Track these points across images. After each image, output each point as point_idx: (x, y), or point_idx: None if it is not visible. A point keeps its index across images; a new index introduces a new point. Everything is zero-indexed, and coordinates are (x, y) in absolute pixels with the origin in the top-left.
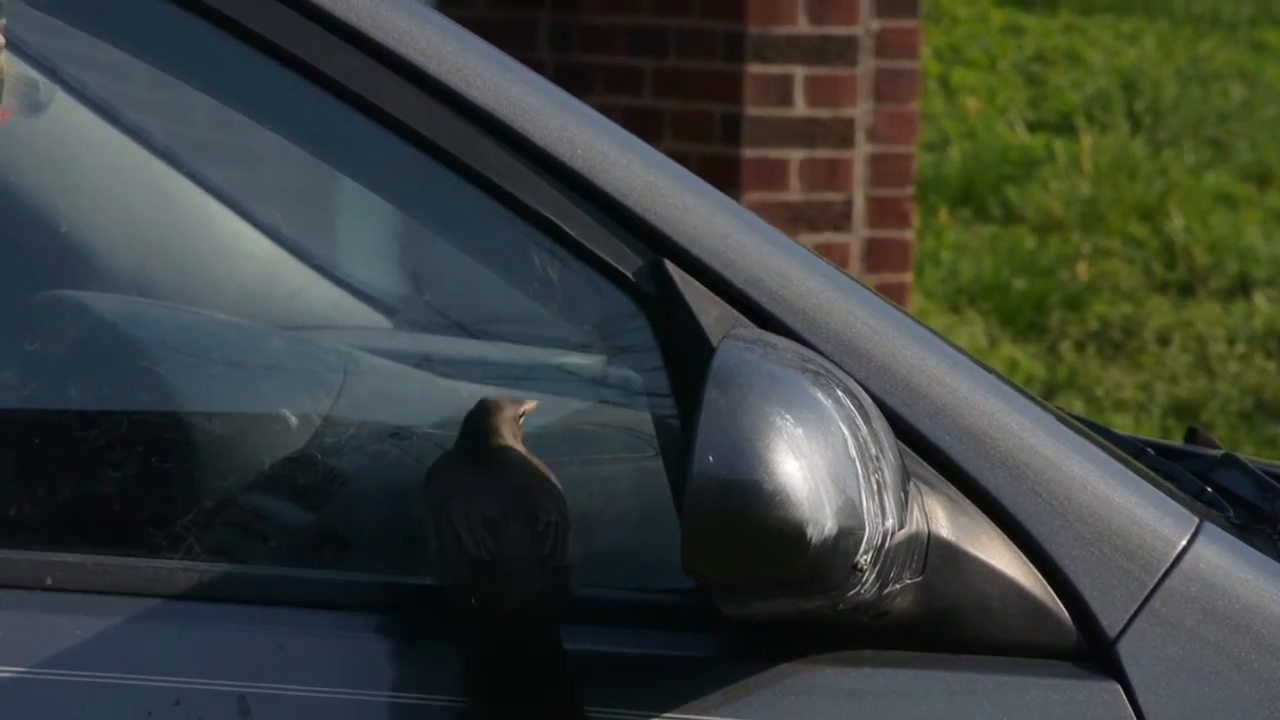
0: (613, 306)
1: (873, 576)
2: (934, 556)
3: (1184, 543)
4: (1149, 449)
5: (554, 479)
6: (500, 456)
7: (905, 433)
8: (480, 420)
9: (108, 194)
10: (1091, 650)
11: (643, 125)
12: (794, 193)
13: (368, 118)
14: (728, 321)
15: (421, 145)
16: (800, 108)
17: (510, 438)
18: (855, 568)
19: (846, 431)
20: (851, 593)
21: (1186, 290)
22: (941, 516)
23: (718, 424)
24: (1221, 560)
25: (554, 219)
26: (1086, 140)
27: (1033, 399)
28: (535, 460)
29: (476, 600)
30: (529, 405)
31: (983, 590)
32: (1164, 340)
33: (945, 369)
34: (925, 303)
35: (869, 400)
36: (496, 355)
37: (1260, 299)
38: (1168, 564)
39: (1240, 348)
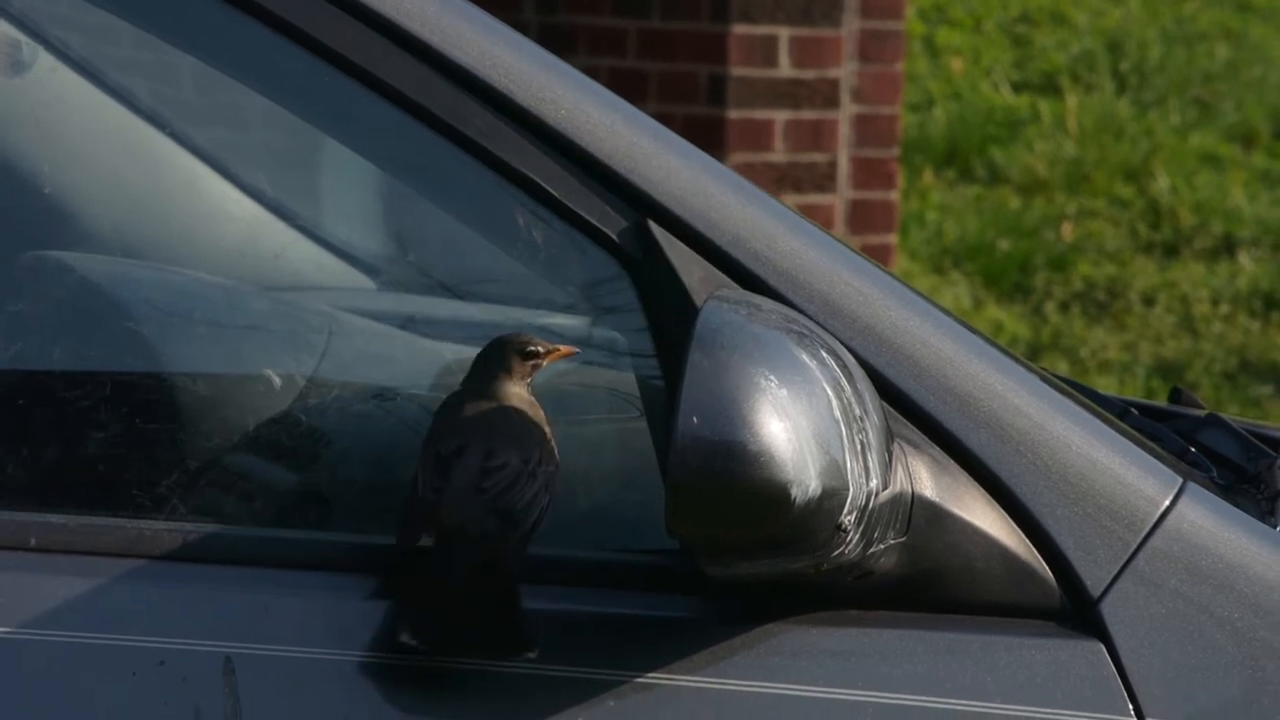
0: (596, 267)
1: (857, 537)
2: (918, 517)
3: (1167, 503)
4: (1133, 409)
5: (536, 423)
6: (480, 394)
7: (889, 393)
8: (483, 356)
9: (91, 155)
10: (1075, 610)
11: (627, 86)
12: (779, 154)
13: (352, 79)
14: (712, 282)
15: (405, 106)
16: (785, 68)
17: (506, 378)
18: (839, 528)
19: (830, 392)
20: (835, 553)
21: (1171, 251)
22: (925, 477)
23: (702, 385)
24: (1205, 520)
25: (538, 180)
26: (1071, 101)
27: (1017, 360)
28: (520, 402)
29: (428, 536)
30: (556, 351)
31: (967, 550)
32: (1149, 301)
33: (929, 330)
34: (910, 264)
35: (853, 361)
36: (480, 316)
37: (1245, 259)
38: (1151, 524)
39: (1225, 308)
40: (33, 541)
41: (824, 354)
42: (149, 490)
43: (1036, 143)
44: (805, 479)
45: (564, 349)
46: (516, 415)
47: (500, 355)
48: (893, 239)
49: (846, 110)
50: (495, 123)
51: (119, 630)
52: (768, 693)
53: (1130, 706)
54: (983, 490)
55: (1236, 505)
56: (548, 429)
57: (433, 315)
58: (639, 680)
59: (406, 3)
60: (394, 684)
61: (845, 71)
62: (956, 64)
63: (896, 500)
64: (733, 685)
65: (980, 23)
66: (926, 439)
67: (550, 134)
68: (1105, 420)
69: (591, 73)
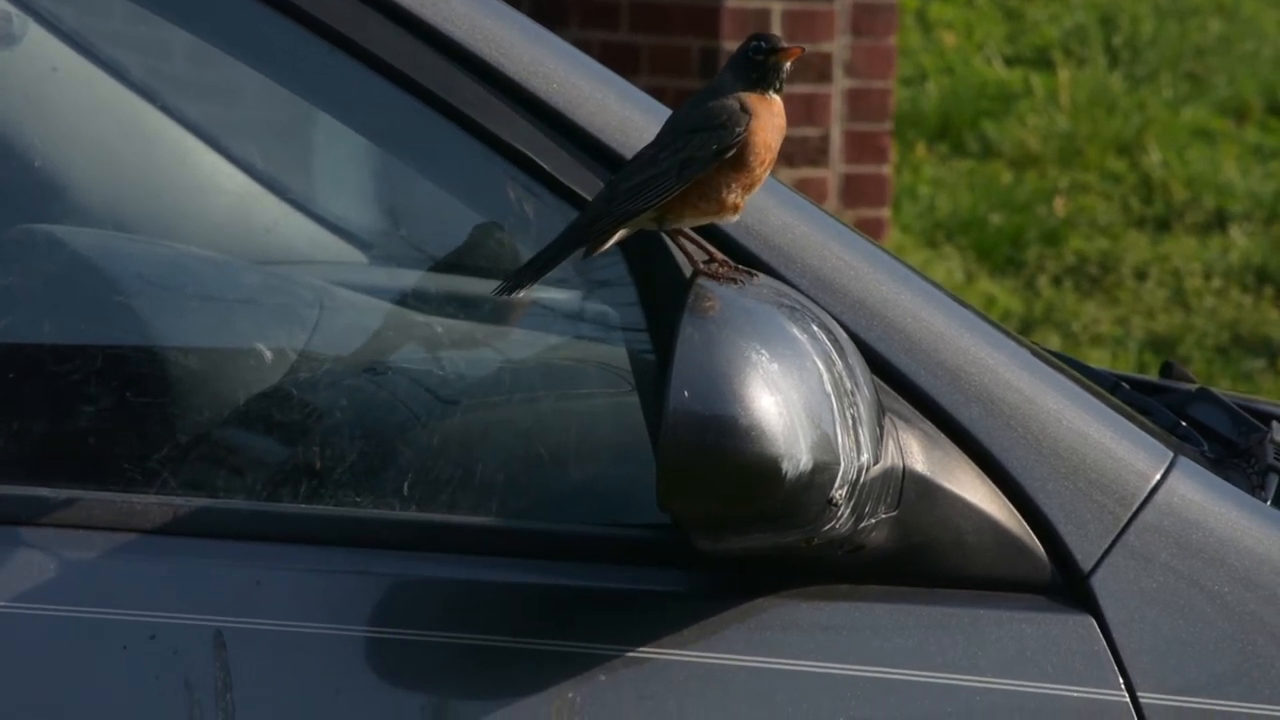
0: None
1: (848, 511)
2: (909, 491)
3: (1158, 477)
4: (1124, 383)
5: (713, 113)
6: (704, 92)
7: (880, 368)
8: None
9: (83, 128)
10: (1066, 584)
11: (620, 60)
12: None
13: (343, 52)
14: (703, 256)
15: (397, 79)
16: None
17: (731, 76)
18: (830, 502)
19: (822, 366)
20: (826, 527)
21: (1163, 225)
22: (916, 451)
23: (693, 359)
24: (1196, 494)
25: (529, 154)
26: (1064, 75)
27: (1008, 334)
28: (728, 97)
29: None
30: (784, 51)
31: (958, 525)
32: (1141, 275)
33: (921, 304)
34: (902, 238)
35: (844, 335)
36: (472, 290)
37: (1237, 233)
38: (1142, 498)
39: (1217, 282)
40: (23, 516)
41: (815, 328)
42: (140, 464)
43: (1029, 117)
44: (796, 453)
45: (794, 49)
46: (693, 108)
47: (734, 55)
48: (885, 213)
49: (839, 84)
50: (486, 96)
51: (110, 604)
52: (759, 667)
53: (1121, 680)
54: (974, 465)
55: (1227, 479)
56: (741, 121)
57: (424, 289)
58: (630, 654)
59: None
60: (384, 658)
61: (838, 45)
62: (949, 38)
63: (887, 475)
64: (724, 659)
65: None
66: (918, 413)
67: (542, 107)
68: (1096, 395)
69: (583, 46)
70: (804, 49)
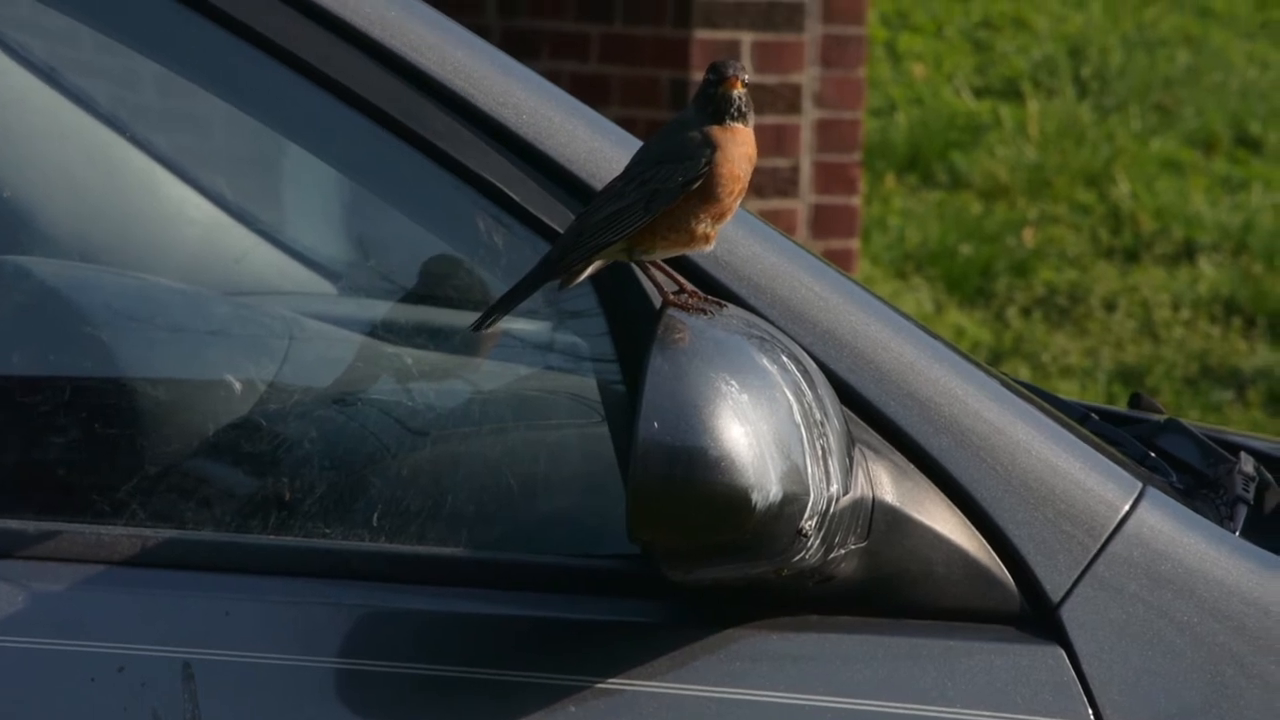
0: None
1: (817, 542)
2: (879, 522)
3: (1127, 508)
4: (1093, 414)
5: (677, 145)
6: (674, 122)
7: (850, 399)
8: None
9: (50, 159)
10: (1035, 615)
11: (590, 91)
12: None
13: (312, 82)
14: (673, 287)
15: (366, 110)
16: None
17: (693, 106)
18: (800, 533)
19: (791, 397)
20: (796, 558)
21: (1132, 256)
22: (886, 482)
23: (663, 390)
24: (1165, 525)
25: (498, 184)
26: (1033, 106)
27: (978, 365)
28: (689, 127)
29: None
30: (726, 80)
31: (927, 555)
32: (1110, 306)
33: (890, 335)
34: (872, 269)
35: (814, 366)
36: (442, 320)
37: (1205, 265)
38: (1111, 529)
39: (1185, 313)
40: None
41: (785, 359)
42: (109, 495)
43: (998, 148)
44: (766, 484)
45: (732, 79)
46: (660, 140)
47: (699, 87)
48: (855, 244)
49: (809, 115)
50: (456, 127)
51: (78, 636)
52: (728, 697)
53: (1090, 711)
54: (943, 495)
55: (1196, 510)
56: (705, 152)
57: (394, 320)
58: (599, 685)
59: (366, 7)
60: (354, 689)
61: (807, 76)
62: (918, 69)
63: (857, 505)
64: (694, 690)
65: (942, 28)
66: (887, 444)
67: (511, 139)
68: (1066, 425)
69: (554, 77)
70: (742, 80)
